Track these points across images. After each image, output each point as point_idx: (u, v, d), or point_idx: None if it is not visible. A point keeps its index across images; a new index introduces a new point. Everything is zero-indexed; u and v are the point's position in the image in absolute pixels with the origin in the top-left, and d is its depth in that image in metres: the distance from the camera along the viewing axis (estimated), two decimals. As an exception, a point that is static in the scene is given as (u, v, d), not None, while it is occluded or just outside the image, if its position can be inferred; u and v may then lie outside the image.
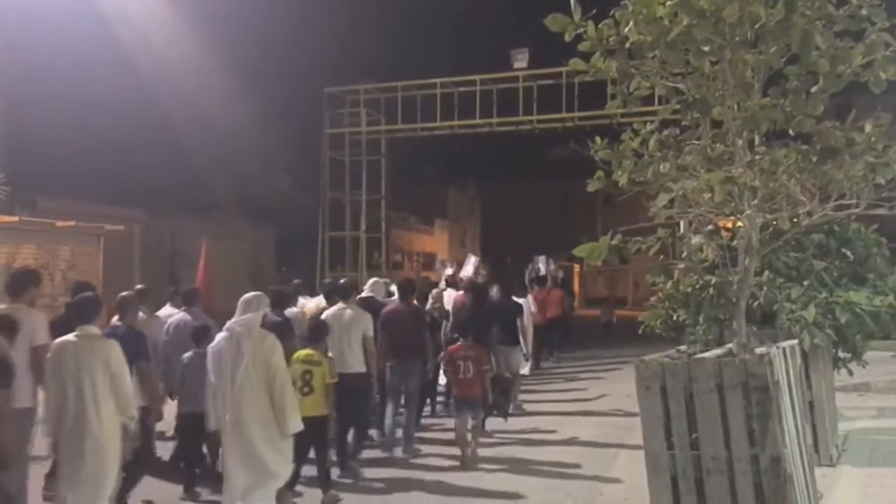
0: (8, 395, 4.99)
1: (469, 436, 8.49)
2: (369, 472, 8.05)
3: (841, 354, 8.32)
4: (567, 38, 5.20)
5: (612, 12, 4.96)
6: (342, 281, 9.30)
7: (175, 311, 9.11)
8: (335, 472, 7.62)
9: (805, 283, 7.70)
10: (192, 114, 22.87)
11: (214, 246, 22.45)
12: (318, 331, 7.46)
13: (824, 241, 8.00)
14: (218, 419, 6.01)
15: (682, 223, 6.26)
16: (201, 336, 7.31)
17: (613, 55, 5.16)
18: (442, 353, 9.56)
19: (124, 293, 7.45)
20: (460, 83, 20.48)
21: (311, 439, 6.67)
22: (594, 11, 5.19)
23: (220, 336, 6.15)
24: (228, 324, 6.09)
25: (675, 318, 8.25)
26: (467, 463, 8.35)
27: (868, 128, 5.08)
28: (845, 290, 7.68)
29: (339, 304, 8.40)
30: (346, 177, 22.30)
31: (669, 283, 7.86)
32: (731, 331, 6.13)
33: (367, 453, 8.65)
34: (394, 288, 11.00)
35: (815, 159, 5.28)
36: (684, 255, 6.14)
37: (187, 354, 7.42)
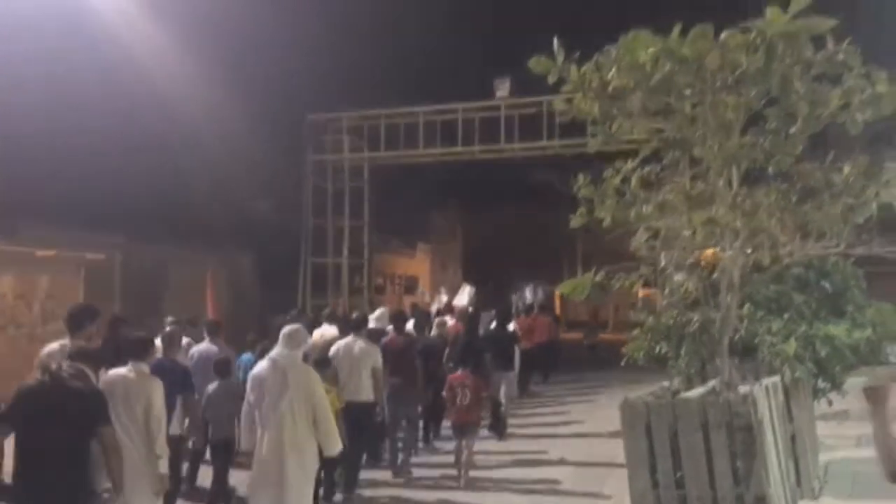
0: (113, 432, 5.12)
1: (464, 457, 9.07)
2: (370, 492, 8.46)
3: (821, 385, 8.40)
4: (550, 80, 5.28)
5: (594, 57, 5.04)
6: (355, 315, 9.92)
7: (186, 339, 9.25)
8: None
9: (785, 315, 7.78)
10: (175, 139, 22.79)
11: (196, 271, 22.37)
12: (322, 363, 7.82)
13: (803, 274, 8.10)
14: (248, 440, 6.34)
15: (663, 255, 6.33)
16: (224, 368, 7.85)
17: (596, 97, 5.25)
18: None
19: (169, 329, 7.96)
20: (443, 111, 20.58)
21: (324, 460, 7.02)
22: (577, 54, 5.27)
23: (263, 364, 6.46)
24: (272, 354, 6.42)
25: (657, 350, 8.31)
26: (467, 483, 8.87)
27: (846, 169, 5.19)
28: (825, 322, 7.77)
29: (350, 337, 8.92)
30: (329, 203, 22.29)
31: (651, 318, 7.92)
32: (714, 364, 6.20)
33: (372, 474, 9.14)
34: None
35: (794, 199, 5.38)
36: (666, 291, 6.20)
37: (212, 385, 7.85)
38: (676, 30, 4.71)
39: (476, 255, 53.28)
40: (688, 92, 4.97)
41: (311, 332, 9.51)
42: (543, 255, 51.42)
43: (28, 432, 4.76)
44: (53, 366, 5.19)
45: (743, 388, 5.59)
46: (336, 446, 6.41)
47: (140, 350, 5.98)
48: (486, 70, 21.05)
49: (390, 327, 10.25)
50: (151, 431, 5.66)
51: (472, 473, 9.08)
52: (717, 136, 5.39)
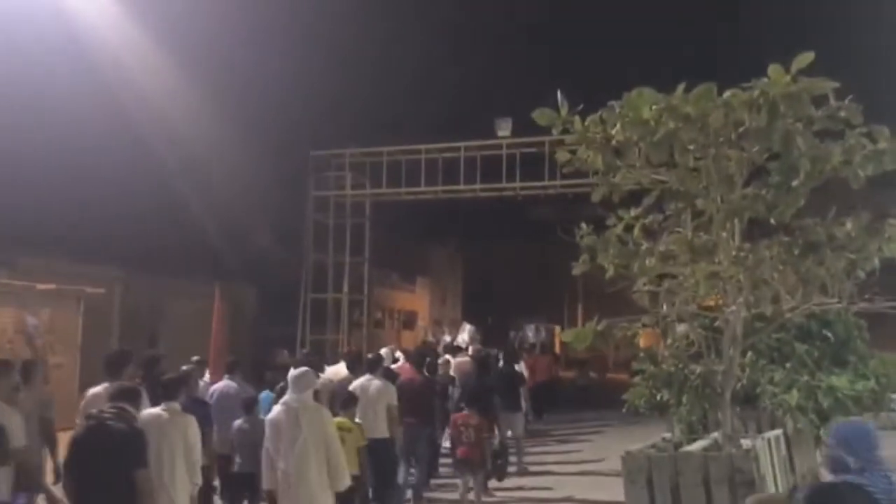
0: (148, 476, 5.42)
1: (471, 494, 9.53)
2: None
3: (823, 434, 8.33)
4: (554, 132, 5.32)
5: (599, 112, 5.07)
6: (371, 355, 10.31)
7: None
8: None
9: (787, 365, 7.75)
10: (178, 174, 22.90)
11: (195, 305, 22.33)
12: (347, 402, 8.31)
13: (805, 324, 8.07)
14: (270, 480, 6.75)
15: (665, 306, 6.31)
16: (251, 405, 8.46)
17: (599, 150, 5.28)
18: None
19: (187, 367, 8.38)
20: (445, 149, 20.69)
21: (345, 494, 7.24)
22: (581, 107, 5.32)
23: (277, 409, 6.89)
24: (285, 399, 6.90)
25: (658, 397, 8.25)
26: None
27: (848, 224, 5.20)
28: (827, 372, 7.72)
29: (367, 376, 9.31)
30: (330, 239, 22.31)
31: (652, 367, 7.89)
32: (716, 413, 6.16)
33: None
34: (399, 353, 12.30)
35: (797, 252, 5.38)
36: (668, 341, 6.18)
37: (238, 422, 8.32)
38: (680, 88, 4.75)
39: (476, 291, 53.23)
40: (691, 147, 5.00)
41: (321, 370, 10.12)
42: (544, 291, 51.38)
43: (80, 476, 5.27)
44: (95, 410, 5.66)
45: (745, 442, 5.55)
46: (344, 481, 6.81)
47: (173, 390, 6.39)
48: (489, 109, 21.21)
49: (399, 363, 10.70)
50: (193, 464, 6.17)
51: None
52: (720, 189, 5.42)
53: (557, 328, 43.05)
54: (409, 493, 9.76)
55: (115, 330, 18.59)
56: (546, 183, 19.29)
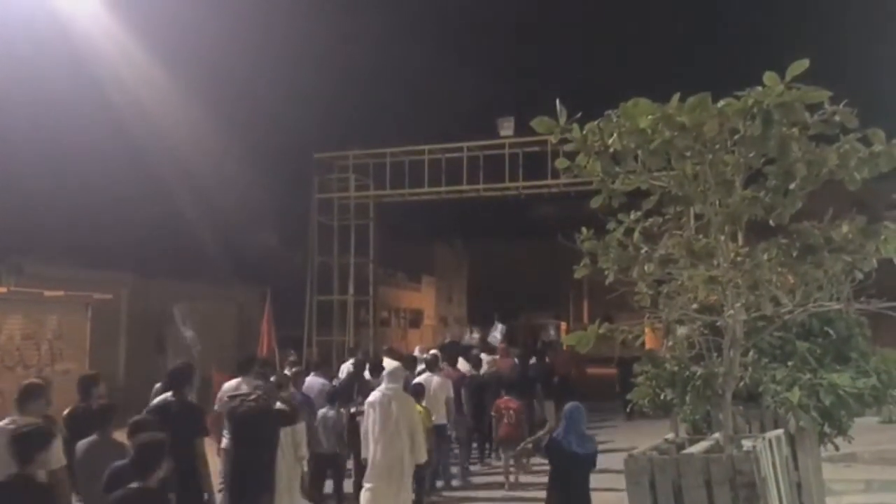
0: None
1: (512, 468, 11.29)
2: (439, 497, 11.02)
3: (827, 430, 8.38)
4: (553, 140, 5.39)
5: (597, 122, 5.14)
6: (427, 357, 12.34)
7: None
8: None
9: (789, 363, 7.79)
10: (182, 177, 23.01)
11: (202, 307, 22.45)
12: (418, 393, 9.93)
13: (807, 322, 8.11)
14: (366, 450, 8.59)
15: (665, 309, 6.36)
16: (334, 397, 9.96)
17: (598, 156, 5.35)
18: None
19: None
20: (448, 150, 20.78)
21: (419, 466, 8.97)
22: (579, 114, 5.39)
23: (375, 394, 8.67)
24: (382, 388, 8.66)
25: (662, 396, 8.32)
26: (510, 486, 11.17)
27: (845, 227, 5.26)
28: (829, 370, 7.76)
29: (428, 373, 11.33)
30: (335, 241, 22.41)
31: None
32: (718, 413, 6.22)
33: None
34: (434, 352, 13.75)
35: (795, 254, 5.44)
36: (670, 343, 6.25)
37: (323, 410, 9.76)
38: (675, 98, 4.82)
39: (481, 289, 53.30)
40: (688, 154, 5.06)
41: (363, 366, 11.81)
42: (550, 288, 51.44)
43: (244, 438, 7.35)
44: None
45: (746, 443, 5.61)
46: (423, 456, 8.67)
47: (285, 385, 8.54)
48: (491, 109, 21.30)
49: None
50: (299, 444, 8.13)
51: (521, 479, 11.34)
52: (718, 193, 5.47)
53: (563, 324, 43.18)
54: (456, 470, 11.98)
55: (122, 335, 18.73)
56: (549, 181, 19.38)
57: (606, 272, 5.69)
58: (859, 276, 5.46)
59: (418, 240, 46.24)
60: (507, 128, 19.89)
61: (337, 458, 9.79)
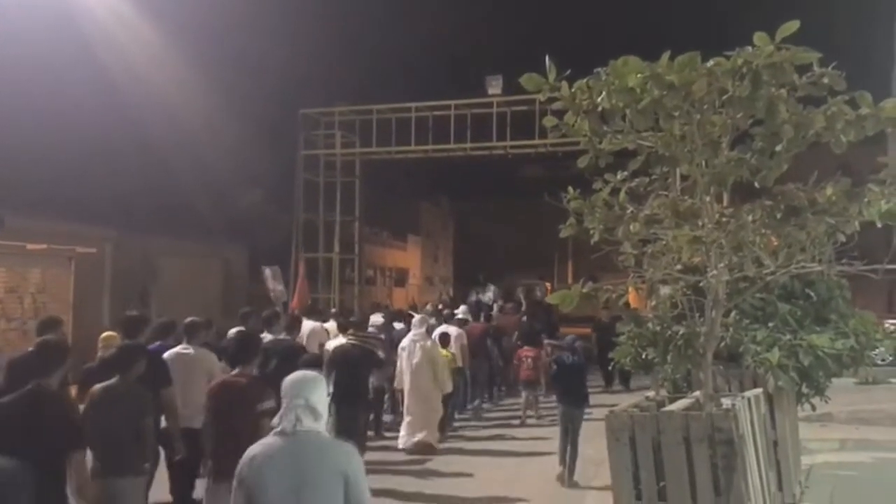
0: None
1: (531, 407, 13.43)
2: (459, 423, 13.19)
3: (805, 390, 8.52)
4: (542, 98, 5.36)
5: (586, 80, 5.11)
6: (458, 313, 14.89)
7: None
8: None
9: (770, 324, 7.89)
10: (167, 132, 22.73)
11: (186, 263, 22.36)
12: (444, 341, 12.14)
13: (789, 284, 8.19)
14: (400, 382, 11.44)
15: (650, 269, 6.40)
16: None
17: (586, 115, 5.33)
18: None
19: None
20: (435, 107, 20.65)
21: (445, 398, 11.52)
22: (568, 72, 5.35)
23: (407, 340, 11.34)
24: (411, 335, 11.33)
25: (644, 355, 8.41)
26: (525, 421, 13.17)
27: (829, 190, 5.29)
28: (809, 331, 7.86)
29: (445, 325, 13.20)
30: (321, 198, 22.32)
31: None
32: (699, 372, 6.31)
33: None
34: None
35: (779, 216, 5.48)
36: (654, 303, 6.30)
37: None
38: (665, 57, 4.79)
39: (467, 248, 53.41)
40: (676, 113, 5.05)
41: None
42: (535, 248, 51.62)
43: (344, 372, 9.29)
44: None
45: (725, 402, 5.70)
46: (447, 389, 11.29)
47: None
48: (480, 68, 21.14)
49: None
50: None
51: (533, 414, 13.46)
52: (704, 154, 5.48)
53: (548, 285, 43.39)
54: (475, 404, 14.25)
55: (106, 289, 18.63)
56: (536, 141, 19.35)
57: (592, 231, 5.71)
58: (842, 238, 5.51)
59: (404, 198, 46.10)
60: (495, 86, 19.78)
61: (379, 391, 12.14)
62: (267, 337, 9.20)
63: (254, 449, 3.79)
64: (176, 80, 22.46)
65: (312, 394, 3.78)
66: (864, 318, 8.31)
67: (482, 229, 54.34)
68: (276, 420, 3.80)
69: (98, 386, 5.92)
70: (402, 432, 11.07)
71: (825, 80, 5.00)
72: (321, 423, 3.77)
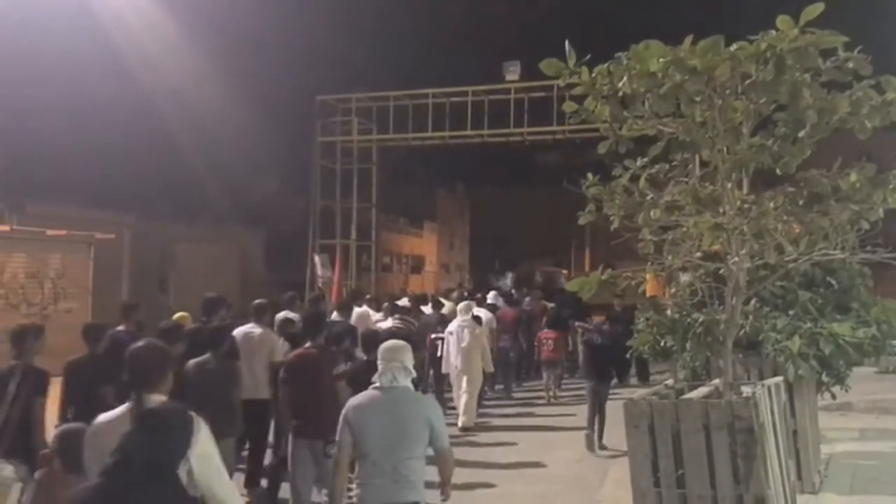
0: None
1: (553, 387, 14.34)
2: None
3: (825, 379, 8.44)
4: (561, 83, 5.31)
5: (607, 64, 5.06)
6: (488, 298, 15.79)
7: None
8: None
9: (791, 312, 7.81)
10: (184, 119, 22.81)
11: (203, 250, 22.49)
12: (476, 321, 12.57)
13: (810, 271, 8.10)
14: (446, 366, 12.15)
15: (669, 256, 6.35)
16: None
17: (606, 100, 5.28)
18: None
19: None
20: (452, 94, 20.54)
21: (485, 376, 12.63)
22: (588, 56, 5.30)
23: (454, 324, 12.15)
24: (458, 321, 12.15)
25: (662, 343, 8.36)
26: (549, 401, 14.07)
27: (853, 176, 5.21)
28: (830, 319, 7.78)
29: (476, 309, 13.38)
30: (337, 185, 22.33)
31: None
32: (718, 360, 6.26)
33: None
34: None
35: (801, 203, 5.41)
36: (673, 290, 6.26)
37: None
38: (688, 41, 4.73)
39: (484, 235, 53.29)
40: (698, 99, 4.98)
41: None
42: (552, 236, 51.41)
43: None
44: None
45: (745, 390, 5.66)
46: (489, 368, 12.47)
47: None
48: (497, 54, 21.03)
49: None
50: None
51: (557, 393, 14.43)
52: (726, 140, 5.41)
53: (565, 272, 43.28)
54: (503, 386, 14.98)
55: (125, 275, 18.78)
56: (554, 128, 19.22)
57: (611, 218, 5.66)
58: (865, 225, 5.44)
59: (421, 185, 46.04)
60: (512, 72, 19.65)
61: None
62: (291, 315, 9.83)
63: (357, 398, 4.69)
64: (193, 69, 22.52)
65: (404, 357, 4.65)
66: (887, 306, 8.20)
67: (498, 216, 54.17)
68: (375, 377, 4.65)
69: (191, 362, 6.76)
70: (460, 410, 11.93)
71: (850, 65, 4.90)
72: (409, 380, 4.64)
